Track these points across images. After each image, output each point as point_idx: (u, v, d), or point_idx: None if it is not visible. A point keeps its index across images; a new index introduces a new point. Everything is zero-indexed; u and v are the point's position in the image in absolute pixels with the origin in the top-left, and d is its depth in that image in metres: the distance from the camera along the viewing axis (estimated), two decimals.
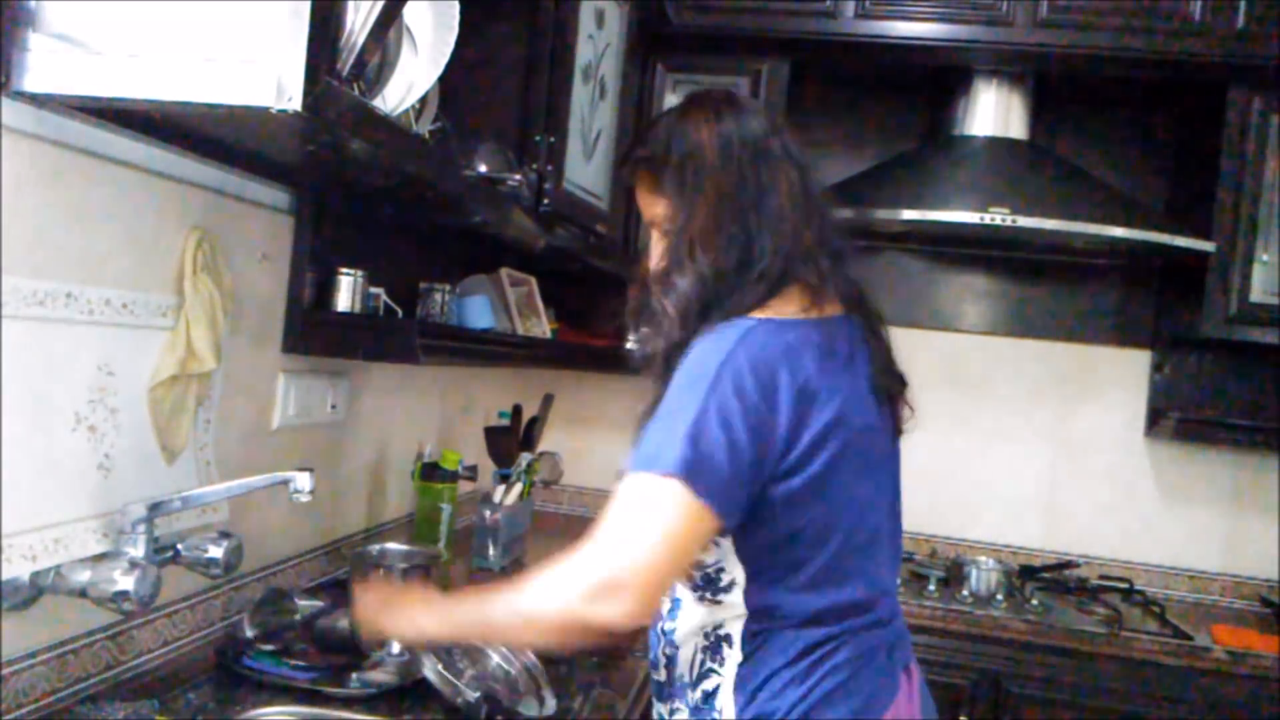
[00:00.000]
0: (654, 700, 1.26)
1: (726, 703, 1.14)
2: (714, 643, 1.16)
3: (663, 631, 1.22)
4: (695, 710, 1.17)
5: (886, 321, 1.26)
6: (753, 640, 1.14)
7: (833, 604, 1.14)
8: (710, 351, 1.09)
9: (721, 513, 1.04)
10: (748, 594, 1.13)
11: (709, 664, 1.16)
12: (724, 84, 2.56)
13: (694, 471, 1.01)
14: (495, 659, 1.42)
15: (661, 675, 1.22)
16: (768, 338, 1.10)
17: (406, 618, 1.18)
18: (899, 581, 2.45)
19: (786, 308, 1.15)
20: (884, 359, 1.23)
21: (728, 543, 1.12)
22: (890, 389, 1.22)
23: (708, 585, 1.15)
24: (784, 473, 1.08)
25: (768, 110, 1.28)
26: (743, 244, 1.16)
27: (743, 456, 1.04)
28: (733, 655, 1.15)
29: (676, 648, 1.20)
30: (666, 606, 1.21)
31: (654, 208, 1.25)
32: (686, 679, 1.18)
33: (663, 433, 1.05)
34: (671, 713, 1.22)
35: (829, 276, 1.18)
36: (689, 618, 1.18)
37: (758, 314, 1.13)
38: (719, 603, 1.15)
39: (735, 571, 1.14)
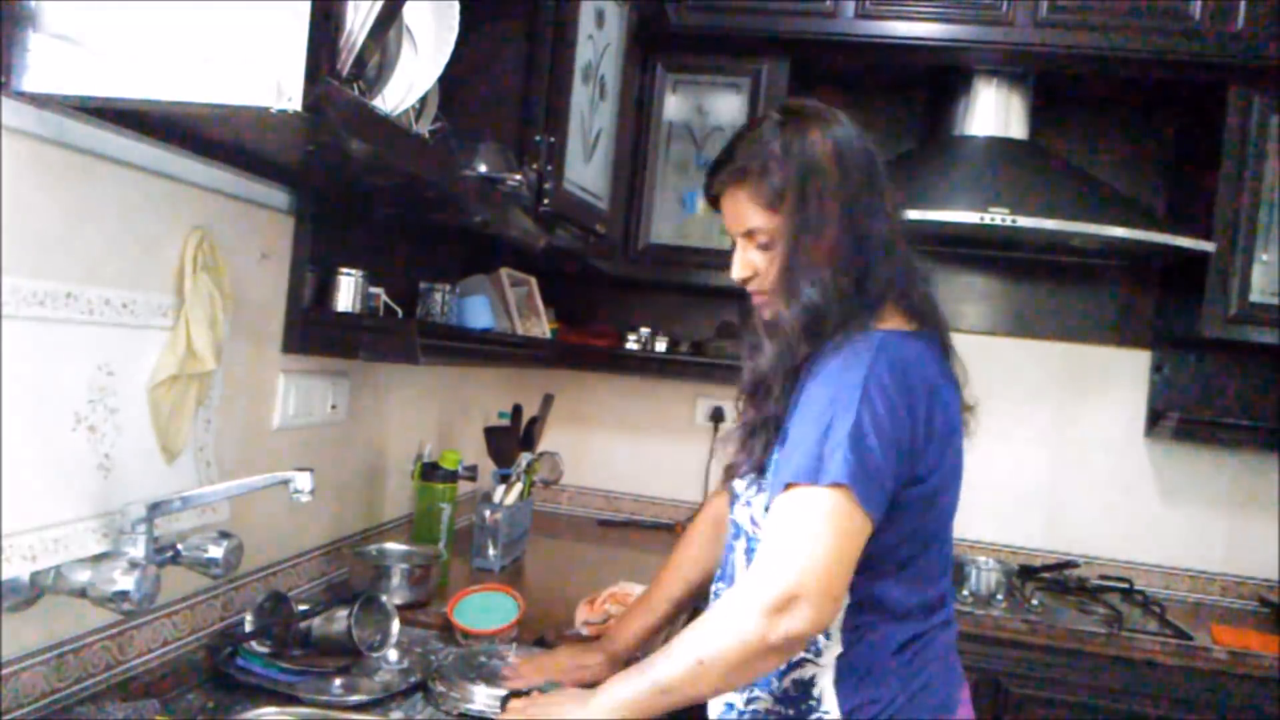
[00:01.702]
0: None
1: (827, 692, 1.16)
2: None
3: None
4: (783, 698, 1.18)
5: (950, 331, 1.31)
6: (852, 632, 1.17)
7: (924, 601, 1.20)
8: (851, 365, 1.12)
9: (876, 517, 1.09)
10: (855, 584, 1.13)
11: (805, 654, 1.17)
12: (724, 84, 2.57)
13: (857, 479, 1.06)
14: None
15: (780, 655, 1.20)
16: (899, 348, 1.15)
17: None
18: None
19: (898, 322, 1.21)
20: (959, 371, 1.28)
21: None
22: (964, 399, 1.27)
23: None
24: (918, 478, 1.14)
25: (853, 123, 1.30)
26: (861, 262, 1.19)
27: (893, 463, 1.09)
28: (831, 646, 1.17)
29: None
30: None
31: (751, 219, 1.25)
32: (780, 668, 1.18)
33: (816, 446, 1.08)
34: (749, 701, 1.22)
35: (924, 298, 1.24)
36: None
37: (875, 325, 1.18)
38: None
39: None
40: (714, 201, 1.31)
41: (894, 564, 1.17)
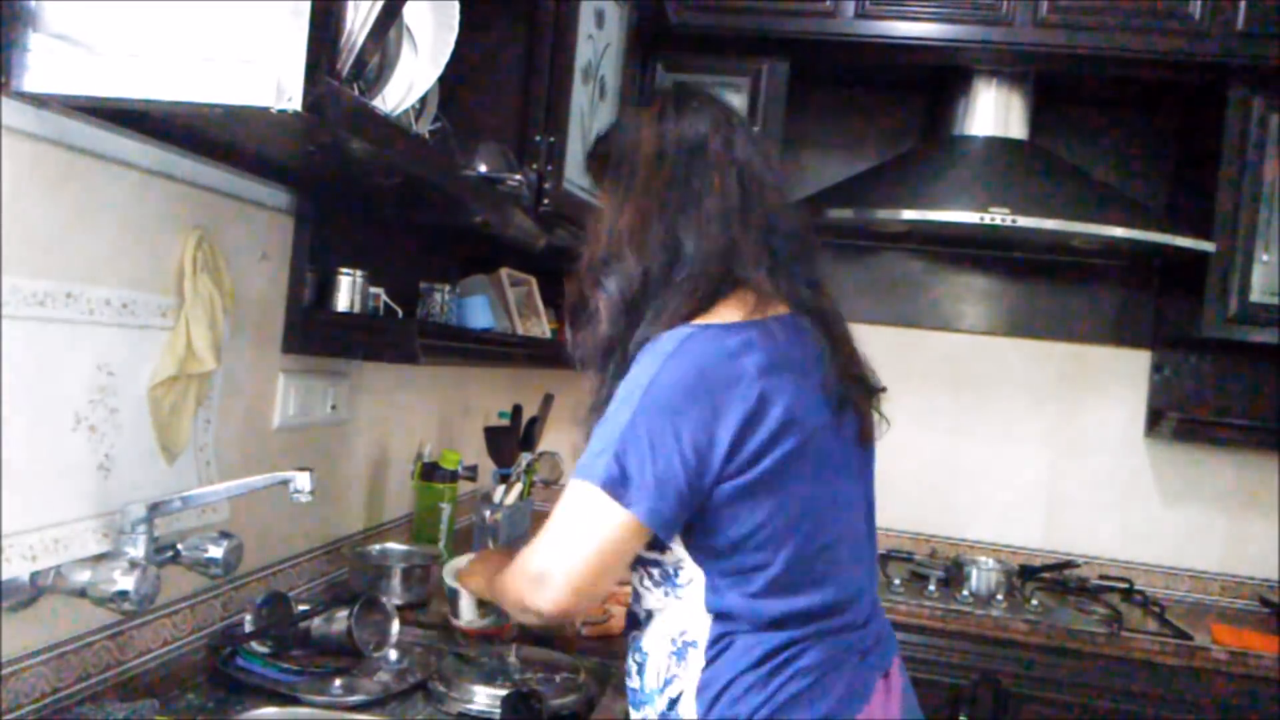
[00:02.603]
0: (629, 708, 1.24)
1: (688, 709, 1.13)
2: (680, 648, 1.15)
3: (634, 639, 1.21)
4: (662, 718, 1.16)
5: (843, 320, 1.24)
6: (715, 645, 1.13)
7: (796, 608, 1.13)
8: (645, 364, 1.11)
9: (650, 522, 1.07)
10: (707, 596, 1.13)
11: (674, 670, 1.15)
12: (724, 84, 2.57)
13: (617, 483, 1.07)
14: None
15: (635, 683, 1.21)
16: (705, 344, 1.11)
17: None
18: (899, 582, 2.46)
19: (728, 312, 1.15)
20: (844, 362, 1.20)
21: (679, 545, 1.14)
22: (848, 393, 1.19)
23: (666, 580, 1.16)
24: (726, 477, 1.09)
25: (722, 108, 1.26)
26: (670, 246, 1.17)
27: (672, 467, 1.07)
28: (696, 660, 1.14)
29: (646, 655, 1.19)
30: (641, 619, 1.20)
31: (601, 199, 1.27)
32: (654, 685, 1.17)
33: (598, 442, 1.10)
34: None
35: (776, 278, 1.18)
36: (658, 624, 1.18)
37: (698, 320, 1.14)
38: (681, 600, 1.15)
39: (693, 571, 1.14)
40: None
41: (739, 572, 1.12)
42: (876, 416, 1.25)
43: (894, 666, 1.22)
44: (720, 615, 1.13)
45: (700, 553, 1.13)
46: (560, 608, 1.09)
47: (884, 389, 1.26)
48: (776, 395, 1.10)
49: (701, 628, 1.14)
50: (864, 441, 1.23)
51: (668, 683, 1.15)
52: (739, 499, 1.10)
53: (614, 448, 1.08)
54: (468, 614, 1.43)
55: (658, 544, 1.13)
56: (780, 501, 1.11)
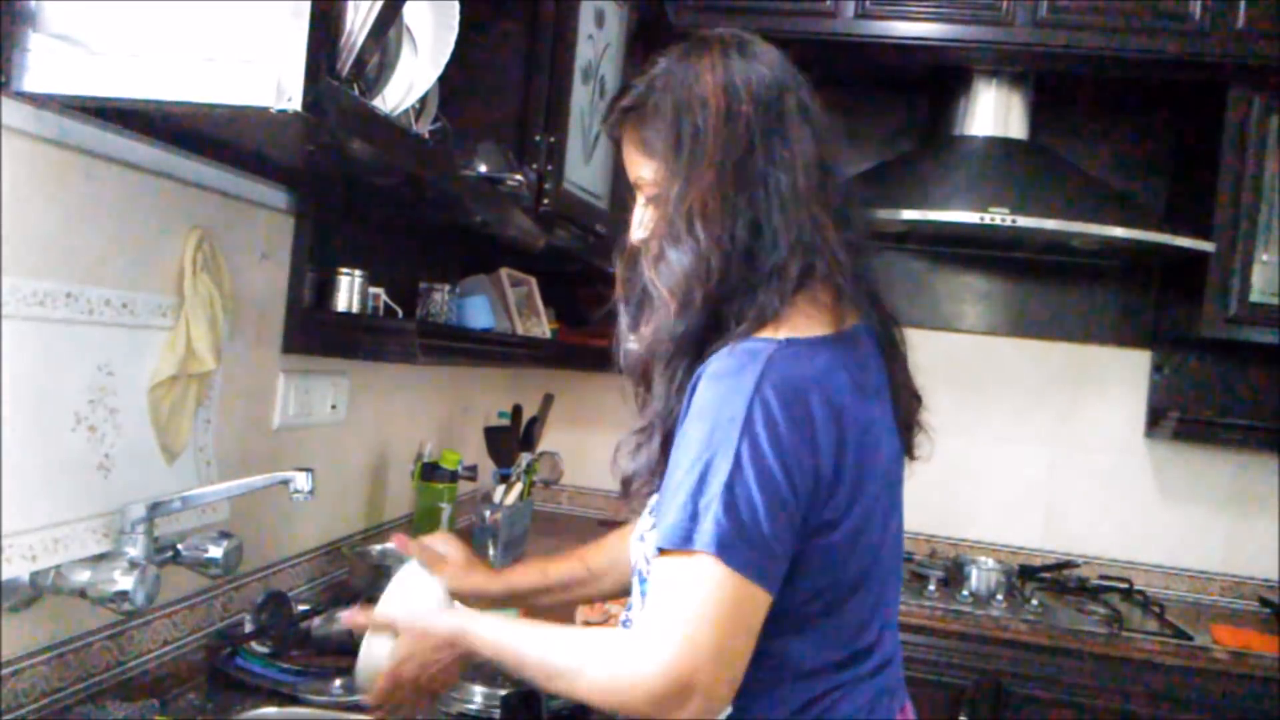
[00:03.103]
0: None
1: None
2: None
3: None
4: None
5: (902, 324, 1.10)
6: (746, 692, 0.95)
7: (842, 656, 1.00)
8: (731, 387, 0.91)
9: (766, 584, 0.89)
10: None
11: None
12: None
13: (731, 546, 0.87)
14: None
15: None
16: (795, 365, 0.93)
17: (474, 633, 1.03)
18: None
19: (806, 322, 0.98)
20: (904, 376, 1.08)
21: None
22: (910, 411, 1.08)
23: None
24: (825, 525, 0.94)
25: (783, 59, 1.07)
26: (751, 223, 0.97)
27: (787, 518, 0.90)
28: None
29: None
30: None
31: (639, 168, 1.06)
32: None
33: (692, 498, 0.89)
34: None
35: (850, 278, 1.00)
36: None
37: (771, 333, 0.96)
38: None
39: None
40: (618, 145, 1.12)
41: (801, 621, 0.97)
42: (920, 434, 1.14)
43: (908, 702, 1.12)
44: (761, 660, 0.95)
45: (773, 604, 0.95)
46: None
47: (921, 398, 1.14)
48: (867, 427, 0.97)
49: None
50: (907, 458, 1.13)
51: None
52: (833, 548, 0.95)
53: (720, 504, 0.87)
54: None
55: None
56: (863, 545, 0.98)
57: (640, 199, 1.09)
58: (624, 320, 1.08)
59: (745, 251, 0.97)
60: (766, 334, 0.96)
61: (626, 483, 1.07)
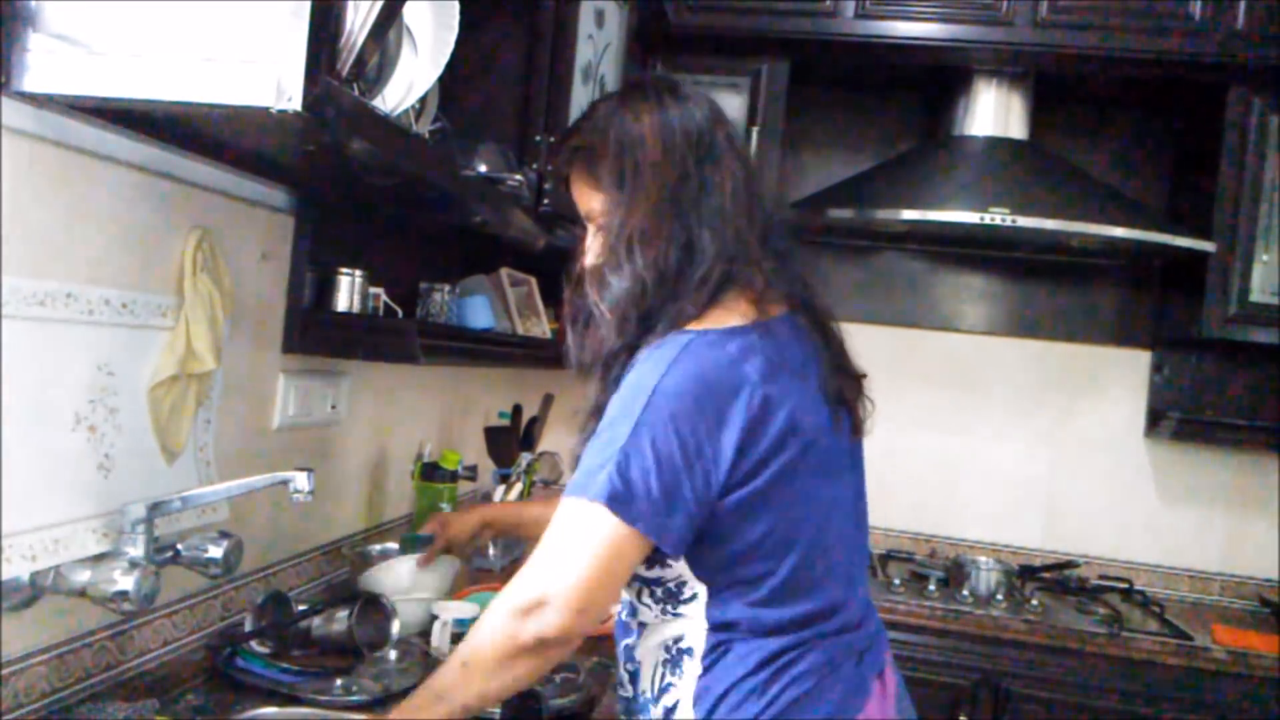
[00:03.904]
0: (621, 717, 1.22)
1: (686, 716, 1.10)
2: (675, 656, 1.12)
3: (627, 648, 1.20)
4: None
5: (835, 317, 1.22)
6: (713, 653, 1.10)
7: (797, 614, 1.11)
8: (647, 371, 1.06)
9: (655, 536, 1.03)
10: (709, 608, 1.11)
11: (669, 678, 1.12)
12: (724, 84, 2.57)
13: (620, 499, 1.01)
14: None
15: (627, 691, 1.19)
16: (708, 350, 1.07)
17: None
18: (899, 582, 2.46)
19: (727, 316, 1.11)
20: (835, 358, 1.18)
21: (682, 562, 1.09)
22: (843, 389, 1.18)
23: (669, 599, 1.13)
24: (732, 486, 1.06)
25: (710, 100, 1.21)
26: (684, 244, 1.12)
27: (679, 479, 1.02)
28: (692, 668, 1.11)
29: (639, 663, 1.17)
30: (633, 629, 1.18)
31: (589, 201, 1.20)
32: (649, 694, 1.14)
33: (595, 457, 1.04)
34: None
35: (773, 278, 1.15)
36: (651, 633, 1.15)
37: (696, 325, 1.10)
38: (681, 615, 1.12)
39: (696, 586, 1.11)
40: (565, 183, 1.25)
41: (745, 582, 1.09)
42: (866, 405, 1.23)
43: (888, 665, 1.21)
44: (720, 625, 1.10)
45: (704, 567, 1.09)
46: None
47: (865, 375, 1.23)
48: (779, 401, 1.07)
49: (698, 636, 1.11)
50: (855, 434, 1.22)
51: (663, 691, 1.13)
52: (744, 509, 1.07)
53: (614, 460, 1.02)
54: (443, 644, 1.37)
55: (659, 561, 1.09)
56: (785, 508, 1.09)
57: (590, 229, 1.22)
58: (570, 335, 1.23)
59: (676, 270, 1.11)
60: (690, 327, 1.10)
61: (575, 460, 1.18)
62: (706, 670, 1.10)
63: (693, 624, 1.12)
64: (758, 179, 1.19)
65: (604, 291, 1.15)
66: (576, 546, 1.04)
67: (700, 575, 1.10)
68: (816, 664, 1.10)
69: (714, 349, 1.07)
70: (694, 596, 1.11)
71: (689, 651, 1.12)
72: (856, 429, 1.22)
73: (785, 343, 1.13)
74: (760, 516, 1.08)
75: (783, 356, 1.11)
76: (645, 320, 1.12)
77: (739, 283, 1.13)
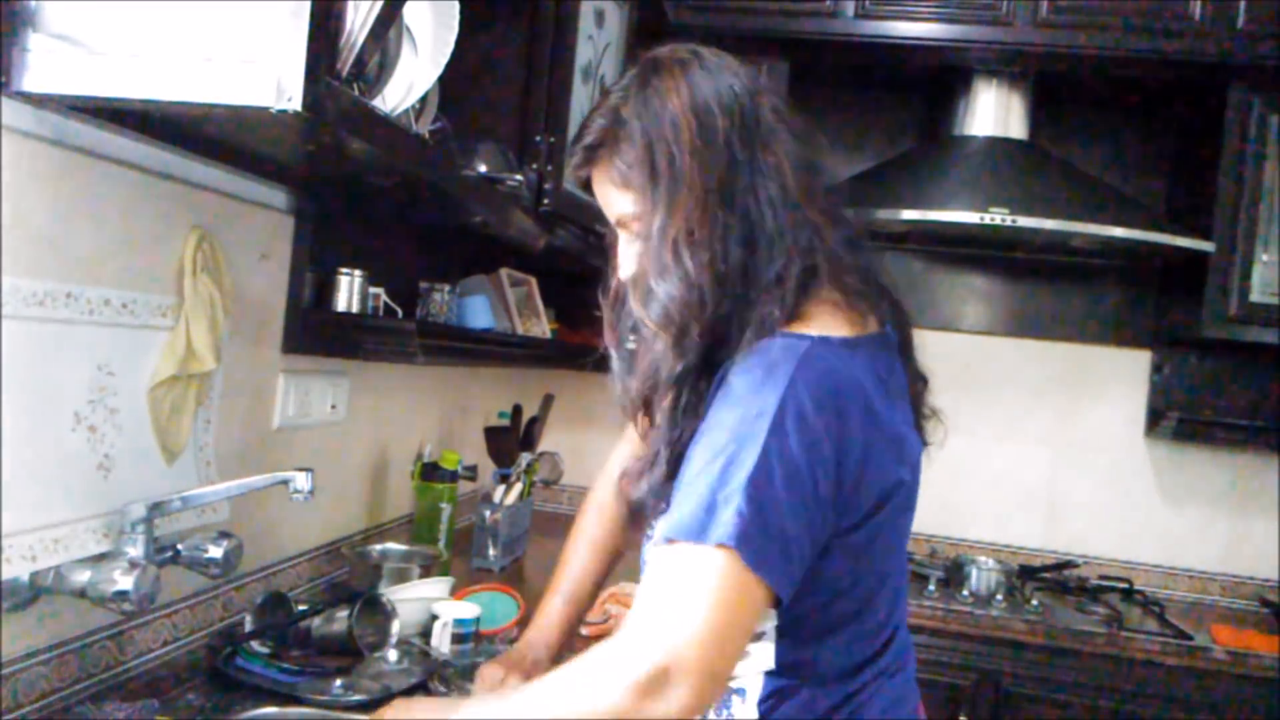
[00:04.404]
0: None
1: None
2: (724, 697, 0.98)
3: None
4: None
5: (912, 322, 1.10)
6: (770, 699, 0.96)
7: (865, 655, 0.99)
8: (763, 383, 0.88)
9: (778, 586, 0.86)
10: (778, 649, 0.97)
11: (713, 718, 1.00)
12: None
13: (749, 541, 0.83)
14: None
15: None
16: (829, 363, 0.90)
17: None
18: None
19: (833, 322, 0.96)
20: (916, 367, 1.08)
21: None
22: (921, 400, 1.08)
23: None
24: (849, 528, 0.92)
25: (742, 66, 1.01)
26: (745, 239, 0.94)
27: (808, 520, 0.87)
28: (743, 711, 0.98)
29: None
30: None
31: (618, 204, 1.03)
32: None
33: (711, 490, 0.85)
34: None
35: (858, 279, 0.99)
36: None
37: (802, 326, 0.94)
38: (744, 654, 0.96)
39: (766, 624, 0.96)
40: (587, 186, 1.08)
41: (825, 626, 0.96)
42: (930, 417, 1.12)
43: (920, 704, 1.11)
44: (786, 666, 0.97)
45: (792, 609, 0.93)
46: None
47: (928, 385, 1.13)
48: (894, 429, 0.96)
49: (753, 676, 0.98)
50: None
51: None
52: (855, 550, 0.94)
53: (742, 493, 0.84)
54: (443, 644, 1.36)
55: None
56: (885, 548, 0.97)
57: (623, 237, 1.05)
58: (616, 365, 1.06)
59: (741, 269, 0.94)
60: (798, 329, 0.94)
61: (636, 511, 1.04)
62: (765, 716, 0.97)
63: (751, 665, 0.98)
64: (818, 156, 1.01)
65: (651, 305, 0.96)
66: (700, 602, 0.83)
67: (782, 617, 0.95)
68: (882, 706, 1.00)
69: (834, 363, 0.91)
70: (761, 635, 0.97)
71: (740, 693, 0.98)
72: (921, 435, 1.12)
73: (890, 361, 1.00)
74: (865, 559, 0.95)
75: (891, 378, 0.98)
76: (712, 333, 0.95)
77: (821, 281, 0.97)
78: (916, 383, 1.07)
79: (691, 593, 0.84)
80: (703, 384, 0.96)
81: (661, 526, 0.89)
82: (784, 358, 0.89)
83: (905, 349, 1.06)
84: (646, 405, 1.01)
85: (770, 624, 0.97)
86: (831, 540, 0.92)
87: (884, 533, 0.97)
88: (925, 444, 1.10)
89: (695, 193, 0.95)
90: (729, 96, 0.97)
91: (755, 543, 0.83)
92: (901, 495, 0.98)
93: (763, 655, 0.97)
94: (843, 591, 0.96)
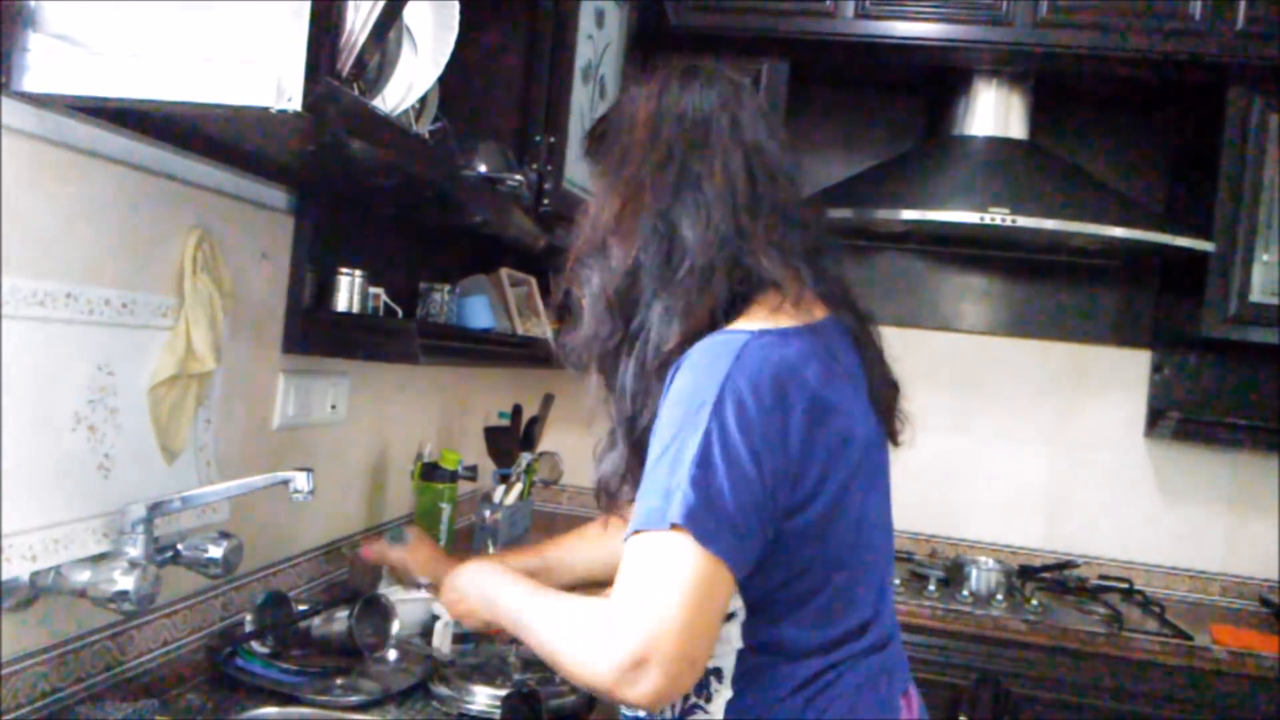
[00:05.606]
0: None
1: None
2: (702, 678, 1.04)
3: None
4: None
5: (876, 320, 1.16)
6: (746, 675, 1.02)
7: (835, 634, 1.04)
8: (704, 377, 0.96)
9: (730, 561, 0.92)
10: (747, 628, 1.03)
11: (694, 699, 1.04)
12: None
13: (696, 519, 0.90)
14: None
15: (642, 712, 1.10)
16: (766, 352, 0.97)
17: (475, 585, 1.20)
18: (899, 582, 2.46)
19: (773, 316, 1.02)
20: (880, 365, 1.13)
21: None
22: (887, 398, 1.12)
23: None
24: (797, 506, 0.98)
25: (736, 86, 1.11)
26: (663, 235, 1.04)
27: (752, 499, 0.93)
28: (722, 691, 1.03)
29: None
30: None
31: (593, 184, 1.18)
32: (669, 715, 1.06)
33: (667, 478, 0.93)
34: None
35: (807, 276, 1.06)
36: None
37: (744, 323, 1.01)
38: (719, 637, 1.02)
39: (736, 604, 1.02)
40: None
41: (787, 604, 1.01)
42: (902, 415, 1.17)
43: (911, 687, 1.16)
44: (757, 646, 1.03)
45: (752, 587, 1.00)
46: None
47: (899, 385, 1.18)
48: (837, 409, 1.00)
49: (728, 657, 1.03)
50: (891, 443, 1.17)
51: (688, 712, 1.05)
52: (805, 526, 0.99)
53: (687, 481, 0.91)
54: (443, 644, 1.35)
55: None
56: (841, 525, 1.02)
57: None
58: (563, 327, 1.19)
59: (658, 257, 1.04)
60: (739, 326, 1.01)
61: (602, 488, 1.13)
62: (739, 694, 1.03)
63: (725, 645, 1.04)
64: (769, 170, 1.09)
65: (583, 280, 1.10)
66: (666, 587, 0.90)
67: (746, 596, 1.02)
68: (851, 686, 1.04)
69: (772, 349, 0.98)
70: (732, 615, 1.03)
71: (717, 673, 1.04)
72: (892, 438, 1.16)
73: (837, 346, 1.07)
74: (820, 536, 1.00)
75: (836, 362, 1.04)
76: (626, 311, 1.06)
77: (766, 281, 1.05)
78: (876, 379, 1.12)
79: (662, 581, 0.90)
80: (630, 364, 1.06)
81: (630, 522, 0.96)
82: (723, 352, 0.97)
83: (864, 344, 1.12)
84: (584, 365, 1.13)
85: (739, 604, 1.02)
86: (786, 519, 0.98)
87: (844, 512, 1.02)
88: (895, 443, 1.16)
89: (629, 186, 1.07)
90: (690, 107, 1.08)
91: (704, 521, 0.90)
92: (851, 473, 1.02)
93: (732, 635, 1.03)
94: (805, 569, 1.01)
